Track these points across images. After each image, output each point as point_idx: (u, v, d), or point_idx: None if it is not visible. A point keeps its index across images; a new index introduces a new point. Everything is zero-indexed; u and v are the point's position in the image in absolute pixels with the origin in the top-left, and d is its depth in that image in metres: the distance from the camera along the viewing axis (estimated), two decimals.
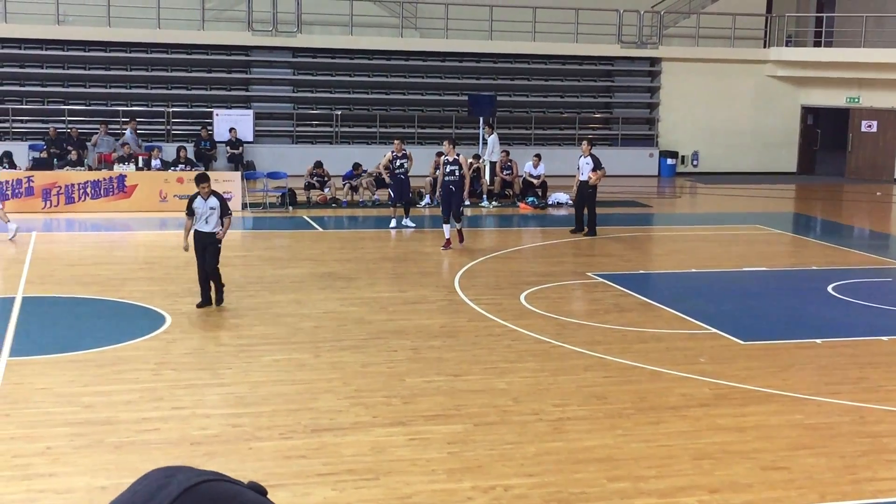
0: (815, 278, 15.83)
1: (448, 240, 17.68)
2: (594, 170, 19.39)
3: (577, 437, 8.44)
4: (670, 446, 8.27)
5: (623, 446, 8.23)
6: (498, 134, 26.21)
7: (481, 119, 26.56)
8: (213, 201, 12.67)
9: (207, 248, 12.67)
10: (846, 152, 33.04)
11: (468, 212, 22.85)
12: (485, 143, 25.59)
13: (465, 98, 27.92)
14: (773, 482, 7.59)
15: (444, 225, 18.01)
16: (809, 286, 15.32)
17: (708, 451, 8.17)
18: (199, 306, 12.70)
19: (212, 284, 12.79)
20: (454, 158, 18.12)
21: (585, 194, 19.50)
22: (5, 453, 7.80)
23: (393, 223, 19.99)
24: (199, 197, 12.65)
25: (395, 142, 20.19)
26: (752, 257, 17.68)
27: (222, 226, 12.70)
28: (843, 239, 20.71)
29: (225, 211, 12.70)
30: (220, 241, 12.75)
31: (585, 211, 19.55)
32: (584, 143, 20.01)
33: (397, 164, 19.82)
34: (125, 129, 26.51)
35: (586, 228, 19.45)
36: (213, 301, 12.80)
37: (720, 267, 16.82)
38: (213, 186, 13.06)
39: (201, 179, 12.72)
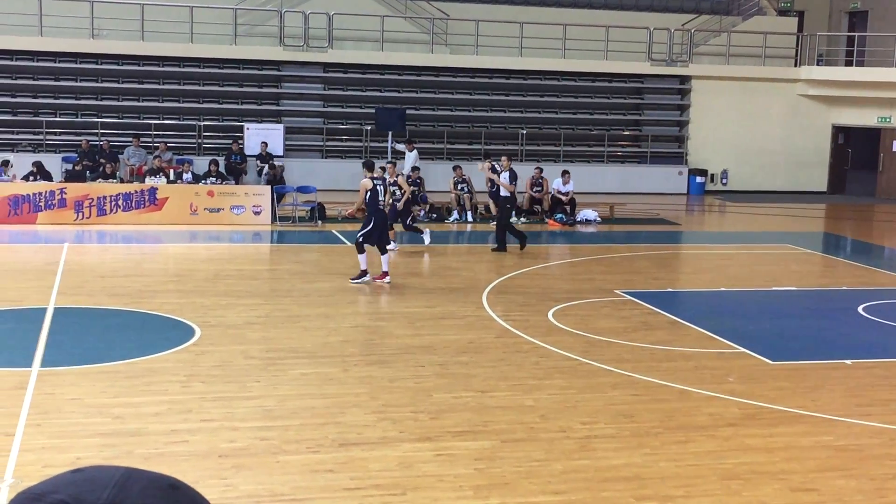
0: (846, 299, 15.71)
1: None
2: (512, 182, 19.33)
3: (605, 455, 8.41)
4: (698, 466, 8.22)
5: (651, 465, 8.19)
6: (512, 149, 26.15)
7: (390, 134, 26.15)
8: None
9: None
10: (877, 172, 32.82)
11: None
12: (401, 158, 25.61)
13: (493, 115, 27.87)
14: None
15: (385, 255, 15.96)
16: (839, 306, 15.20)
17: (736, 471, 8.12)
18: None
19: None
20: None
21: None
22: (35, 463, 7.87)
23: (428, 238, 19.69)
24: None
25: (390, 166, 19.05)
26: (782, 277, 17.57)
27: None
28: (874, 259, 20.56)
29: None
30: None
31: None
32: (504, 158, 19.87)
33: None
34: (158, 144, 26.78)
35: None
36: None
37: (749, 286, 16.73)
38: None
39: None
